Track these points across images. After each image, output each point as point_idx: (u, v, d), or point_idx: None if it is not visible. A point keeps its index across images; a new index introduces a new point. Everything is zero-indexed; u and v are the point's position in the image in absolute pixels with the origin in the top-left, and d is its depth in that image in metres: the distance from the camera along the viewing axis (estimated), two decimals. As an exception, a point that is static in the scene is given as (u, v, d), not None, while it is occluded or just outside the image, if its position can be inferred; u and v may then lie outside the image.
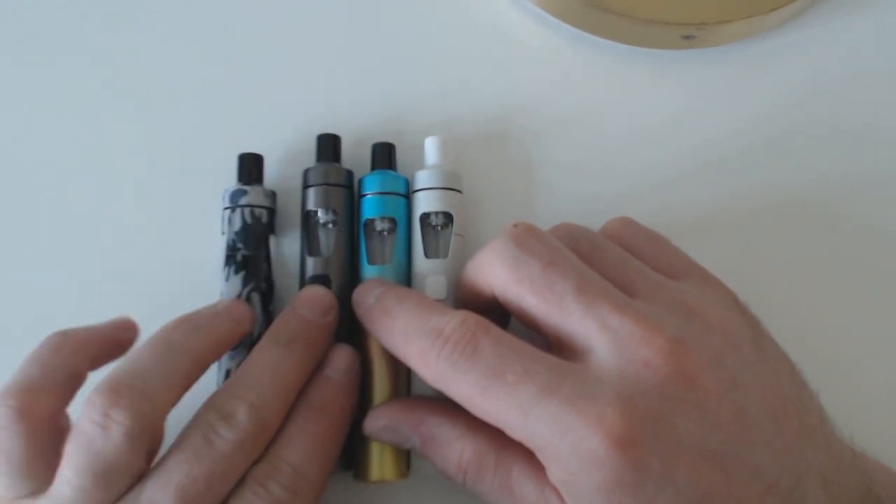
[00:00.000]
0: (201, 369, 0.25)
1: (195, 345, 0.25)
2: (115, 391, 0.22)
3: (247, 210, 0.29)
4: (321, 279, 0.28)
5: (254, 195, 0.29)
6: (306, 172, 0.30)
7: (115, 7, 0.34)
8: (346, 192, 0.30)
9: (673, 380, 0.21)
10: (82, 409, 0.22)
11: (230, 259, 0.29)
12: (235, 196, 0.29)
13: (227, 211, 0.29)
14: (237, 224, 0.29)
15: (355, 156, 0.31)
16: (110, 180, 0.32)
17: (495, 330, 0.23)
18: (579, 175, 0.32)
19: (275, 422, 0.24)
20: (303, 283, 0.29)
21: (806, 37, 0.33)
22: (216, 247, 0.30)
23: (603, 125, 0.33)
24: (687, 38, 0.32)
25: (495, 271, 0.24)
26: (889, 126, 0.32)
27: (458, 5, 0.34)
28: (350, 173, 0.30)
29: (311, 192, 0.29)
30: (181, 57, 0.33)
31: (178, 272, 0.31)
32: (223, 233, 0.29)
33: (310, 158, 0.30)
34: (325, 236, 0.29)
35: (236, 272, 0.29)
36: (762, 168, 0.32)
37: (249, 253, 0.29)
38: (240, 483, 0.23)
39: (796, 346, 0.25)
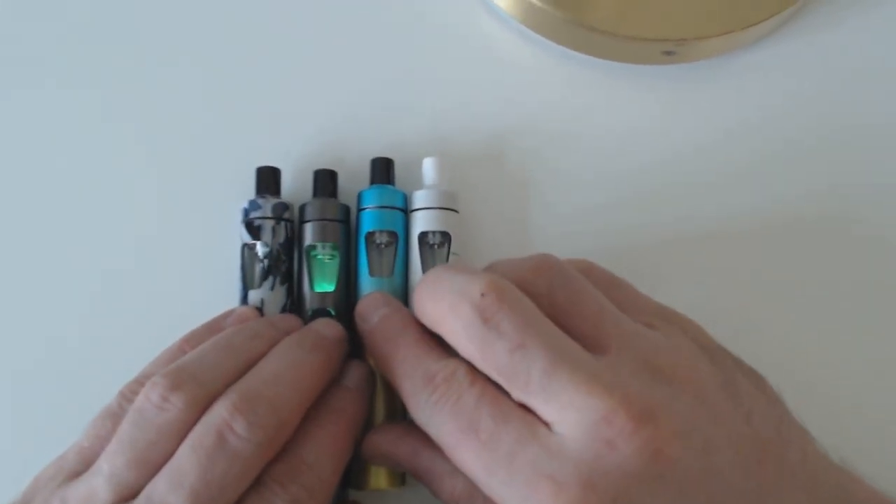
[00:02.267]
0: None
1: (253, 349, 0.25)
2: (179, 377, 0.23)
3: (289, 224, 0.30)
4: (326, 313, 0.29)
5: (292, 210, 0.30)
6: (303, 207, 0.30)
7: (128, 25, 0.35)
8: (343, 226, 0.30)
9: (636, 457, 0.21)
10: (143, 389, 0.23)
11: (274, 269, 0.29)
12: (279, 209, 0.30)
13: (270, 222, 0.29)
14: (282, 236, 0.29)
15: (352, 174, 0.32)
16: (120, 192, 0.33)
17: (480, 383, 0.23)
18: (570, 191, 0.32)
19: (292, 422, 0.24)
20: (302, 314, 0.29)
21: (783, 52, 0.34)
22: (222, 256, 0.30)
23: (591, 141, 0.33)
24: (667, 53, 0.33)
25: (460, 343, 0.24)
26: (865, 140, 0.33)
27: (449, 28, 0.34)
28: (347, 208, 0.30)
29: (309, 227, 0.30)
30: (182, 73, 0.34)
31: (187, 281, 0.31)
32: (251, 243, 0.29)
33: (305, 175, 0.31)
34: (322, 270, 0.30)
35: (281, 283, 0.29)
36: (743, 180, 0.33)
37: (290, 266, 0.30)
38: (257, 480, 0.23)
39: (771, 360, 0.26)
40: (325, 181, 0.30)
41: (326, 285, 0.30)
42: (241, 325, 0.27)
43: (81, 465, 0.24)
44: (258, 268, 0.29)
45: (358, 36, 0.34)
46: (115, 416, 0.25)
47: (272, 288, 0.29)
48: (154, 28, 0.35)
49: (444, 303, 0.24)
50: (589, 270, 0.27)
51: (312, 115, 0.33)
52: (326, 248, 0.30)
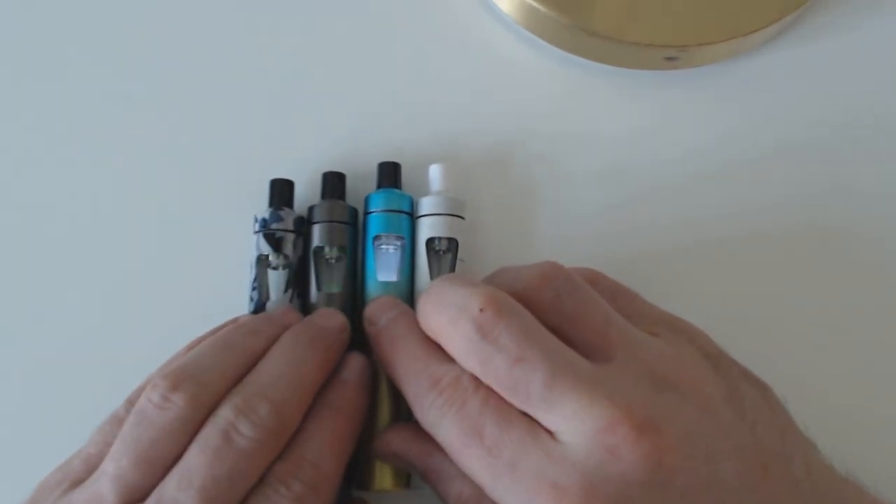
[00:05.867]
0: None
1: (251, 346, 0.26)
2: (179, 378, 0.24)
3: (302, 238, 0.30)
4: None
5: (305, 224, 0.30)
6: (311, 209, 0.30)
7: (144, 36, 0.35)
8: (351, 229, 0.30)
9: (638, 465, 0.21)
10: (144, 390, 0.24)
11: (293, 282, 0.29)
12: (299, 222, 0.30)
13: (291, 235, 0.29)
14: (300, 250, 0.30)
15: (359, 180, 0.32)
16: (135, 202, 0.33)
17: (485, 389, 0.23)
18: (575, 196, 0.33)
19: (295, 420, 0.25)
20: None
21: (784, 58, 0.35)
22: (235, 267, 0.31)
23: (594, 146, 0.33)
24: (670, 59, 0.34)
25: (461, 357, 0.24)
26: (867, 145, 0.34)
27: (454, 34, 0.35)
28: (355, 210, 0.31)
29: (317, 228, 0.30)
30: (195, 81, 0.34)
31: (190, 289, 0.32)
32: (267, 253, 0.29)
33: (312, 178, 0.31)
34: (329, 272, 0.30)
35: (298, 296, 0.30)
36: (746, 185, 0.33)
37: (305, 278, 0.30)
38: (260, 480, 0.24)
39: (776, 364, 0.26)
40: (334, 183, 0.31)
41: (334, 287, 0.30)
42: (238, 324, 0.28)
43: (87, 473, 0.24)
44: (275, 279, 0.29)
45: (366, 42, 0.35)
46: (121, 421, 0.25)
47: (291, 300, 0.29)
48: (159, 36, 0.35)
49: (444, 317, 0.24)
50: (594, 279, 0.28)
51: (319, 120, 0.34)
52: (333, 249, 0.30)
